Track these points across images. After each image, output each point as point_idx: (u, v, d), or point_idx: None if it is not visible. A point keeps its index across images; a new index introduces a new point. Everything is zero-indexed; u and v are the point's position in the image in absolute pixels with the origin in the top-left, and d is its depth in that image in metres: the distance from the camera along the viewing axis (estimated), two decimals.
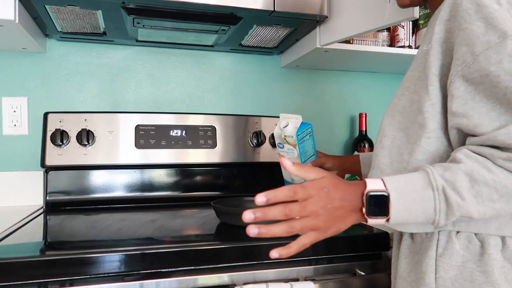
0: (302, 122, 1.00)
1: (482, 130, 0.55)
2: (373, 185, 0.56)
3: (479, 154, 0.55)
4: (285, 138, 1.03)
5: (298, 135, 0.99)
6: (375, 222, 0.55)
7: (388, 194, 0.54)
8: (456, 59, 0.58)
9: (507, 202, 0.53)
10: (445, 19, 0.62)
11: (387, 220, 0.55)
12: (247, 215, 0.54)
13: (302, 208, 0.54)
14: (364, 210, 0.55)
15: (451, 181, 0.53)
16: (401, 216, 0.54)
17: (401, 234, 0.70)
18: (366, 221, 0.56)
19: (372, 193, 0.55)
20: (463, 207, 0.52)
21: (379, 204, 0.54)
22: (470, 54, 0.56)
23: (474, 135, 0.57)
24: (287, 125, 1.01)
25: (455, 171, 0.53)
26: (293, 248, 0.56)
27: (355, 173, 1.07)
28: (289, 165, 0.57)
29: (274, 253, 0.56)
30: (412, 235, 0.67)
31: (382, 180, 0.56)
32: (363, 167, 1.05)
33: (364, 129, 1.44)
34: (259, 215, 0.54)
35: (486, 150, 0.54)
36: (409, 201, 0.54)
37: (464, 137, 0.60)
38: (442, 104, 0.62)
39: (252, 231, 0.54)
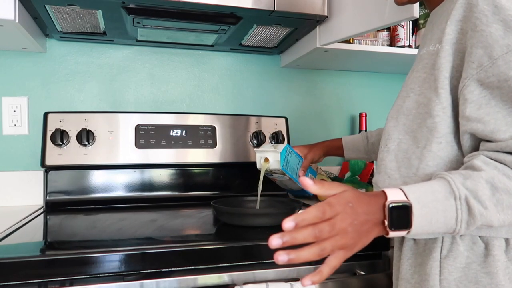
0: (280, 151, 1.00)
1: (500, 136, 0.54)
2: (394, 195, 0.53)
3: (497, 161, 0.54)
4: (271, 171, 1.04)
5: (283, 166, 0.99)
6: (395, 234, 0.53)
7: (411, 205, 0.52)
8: (470, 62, 0.56)
9: None
10: (457, 20, 0.59)
11: (408, 232, 0.53)
12: (275, 241, 0.48)
13: (331, 228, 0.50)
14: (386, 222, 0.52)
15: (473, 189, 0.52)
16: (423, 227, 0.52)
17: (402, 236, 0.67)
18: (388, 234, 0.53)
19: (393, 204, 0.52)
20: (485, 216, 0.52)
21: (401, 216, 0.52)
22: (487, 58, 0.54)
23: (489, 141, 0.56)
24: (267, 160, 1.01)
25: (476, 179, 0.52)
26: (325, 272, 0.52)
27: (339, 156, 1.14)
28: (311, 185, 0.52)
29: (307, 282, 0.50)
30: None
31: (402, 190, 0.53)
32: (346, 152, 1.10)
33: (364, 129, 1.44)
34: (287, 239, 0.49)
35: (505, 157, 0.53)
36: (431, 211, 0.52)
37: (477, 142, 0.59)
38: (452, 108, 0.60)
39: (281, 258, 0.49)
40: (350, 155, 1.11)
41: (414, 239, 0.65)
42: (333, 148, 1.12)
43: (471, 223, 0.52)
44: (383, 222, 0.52)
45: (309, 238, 0.49)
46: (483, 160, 0.54)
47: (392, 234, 0.53)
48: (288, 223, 0.49)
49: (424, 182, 0.55)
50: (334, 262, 0.51)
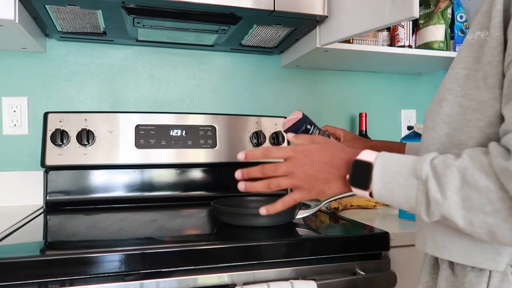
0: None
1: None
2: (365, 155, 0.53)
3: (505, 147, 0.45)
4: None
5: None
6: (358, 192, 0.54)
7: (372, 166, 0.51)
8: None
9: (505, 220, 0.43)
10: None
11: (370, 195, 0.53)
12: (237, 173, 0.62)
13: (275, 168, 0.60)
14: (347, 177, 0.54)
15: (440, 174, 0.46)
16: (383, 194, 0.51)
17: (435, 260, 0.58)
18: (350, 190, 0.55)
19: (356, 160, 0.53)
20: (442, 206, 0.46)
21: (361, 174, 0.53)
22: None
23: None
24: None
25: (449, 165, 0.46)
26: (278, 205, 0.62)
27: None
28: (289, 136, 0.63)
29: (262, 210, 0.63)
30: (452, 265, 0.55)
31: (377, 154, 0.53)
32: None
33: (364, 129, 1.44)
34: (244, 172, 0.62)
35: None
36: (393, 182, 0.50)
37: None
38: None
39: (240, 186, 0.62)
40: None
41: (452, 269, 0.54)
42: (391, 151, 1.00)
43: (429, 211, 0.48)
44: (346, 177, 0.55)
45: (257, 173, 0.61)
46: (473, 149, 0.47)
47: (355, 191, 0.54)
48: (240, 154, 0.63)
49: (404, 155, 0.53)
50: (287, 198, 0.61)
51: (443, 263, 0.55)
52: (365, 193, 0.53)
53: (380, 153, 0.53)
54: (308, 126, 0.93)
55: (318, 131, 0.95)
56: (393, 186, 0.50)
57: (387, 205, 1.19)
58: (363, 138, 1.02)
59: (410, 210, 0.51)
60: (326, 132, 1.01)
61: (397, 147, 0.95)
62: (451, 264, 0.54)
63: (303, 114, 0.93)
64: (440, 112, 0.54)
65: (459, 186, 0.45)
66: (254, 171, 0.62)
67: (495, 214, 0.44)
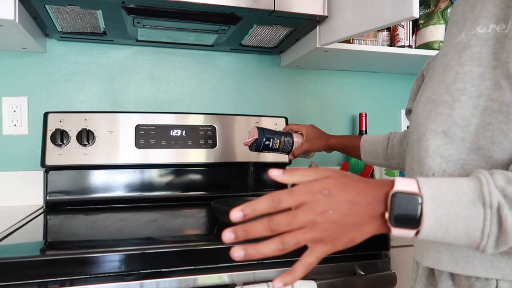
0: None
1: None
2: (404, 185, 0.42)
3: None
4: None
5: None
6: (400, 233, 0.42)
7: (422, 199, 0.41)
8: None
9: None
10: None
11: (416, 234, 0.42)
12: (227, 236, 0.42)
13: (290, 220, 0.42)
14: (387, 215, 0.42)
15: (510, 198, 0.40)
16: (435, 232, 0.41)
17: (430, 270, 0.54)
18: (389, 231, 0.43)
19: (399, 194, 0.42)
20: None
21: (408, 210, 0.41)
22: None
23: None
24: None
25: None
26: (298, 271, 0.44)
27: (356, 158, 0.96)
28: (278, 176, 0.45)
29: (278, 284, 0.43)
30: (452, 276, 0.50)
31: (417, 181, 0.42)
32: (363, 154, 0.92)
33: (364, 129, 1.44)
34: (240, 234, 0.42)
35: None
36: (449, 216, 0.41)
37: None
38: None
39: (237, 254, 0.42)
40: (367, 159, 0.92)
41: (453, 280, 0.50)
42: (348, 147, 0.95)
43: (502, 242, 0.40)
44: (384, 216, 0.42)
45: (263, 231, 0.42)
46: None
47: (396, 232, 0.42)
48: (234, 213, 0.42)
49: (451, 178, 0.43)
50: (308, 259, 0.44)
51: (442, 274, 0.50)
52: (411, 233, 0.42)
53: (422, 180, 0.43)
54: (267, 142, 0.98)
55: (278, 140, 0.99)
56: (450, 220, 0.41)
57: None
58: (325, 135, 1.01)
59: (467, 244, 0.42)
60: (290, 132, 1.03)
61: (353, 142, 0.94)
62: (451, 275, 0.50)
63: (258, 130, 0.97)
64: (453, 115, 0.48)
65: None
66: (257, 229, 0.42)
67: None
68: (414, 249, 0.57)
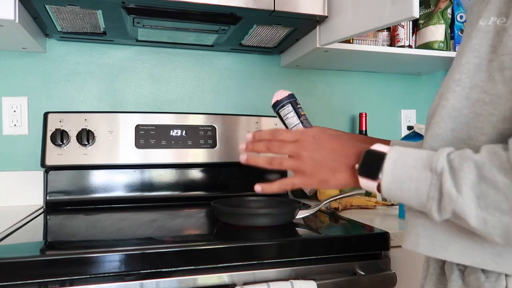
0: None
1: None
2: (379, 147, 0.50)
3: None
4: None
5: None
6: (366, 184, 0.51)
7: (385, 156, 0.48)
8: None
9: None
10: None
11: (378, 188, 0.49)
12: (241, 145, 0.64)
13: (282, 146, 0.59)
14: (357, 166, 0.51)
15: (456, 168, 0.43)
16: (392, 188, 0.48)
17: (441, 269, 0.55)
18: (357, 181, 0.52)
19: (370, 150, 0.50)
20: (456, 202, 0.42)
21: (373, 164, 0.49)
22: None
23: None
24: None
25: (466, 159, 0.43)
26: (275, 185, 0.60)
27: None
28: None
29: (257, 187, 0.61)
30: (463, 274, 0.51)
31: (392, 146, 0.50)
32: None
33: (364, 129, 1.44)
34: (249, 146, 0.63)
35: None
36: (404, 175, 0.47)
37: None
38: None
39: (242, 157, 0.62)
40: None
41: (463, 279, 0.51)
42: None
43: (442, 206, 0.44)
44: (355, 167, 0.52)
45: (263, 148, 0.61)
46: (492, 145, 0.44)
47: (362, 182, 0.51)
48: (248, 135, 0.64)
49: (420, 149, 0.49)
50: (286, 181, 0.59)
51: (452, 274, 0.51)
52: (373, 185, 0.50)
53: (395, 147, 0.50)
54: (298, 105, 1.04)
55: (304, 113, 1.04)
56: (404, 180, 0.47)
57: (387, 204, 1.19)
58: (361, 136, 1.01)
59: (420, 207, 0.47)
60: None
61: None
62: (462, 275, 0.50)
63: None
64: (446, 106, 0.49)
65: (476, 182, 0.42)
66: (260, 145, 0.61)
67: (511, 213, 0.41)
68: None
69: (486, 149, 0.43)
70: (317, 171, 0.55)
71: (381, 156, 0.49)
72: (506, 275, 0.47)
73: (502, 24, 0.47)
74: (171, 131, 1.21)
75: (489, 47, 0.47)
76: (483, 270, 0.48)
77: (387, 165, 0.48)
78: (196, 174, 1.25)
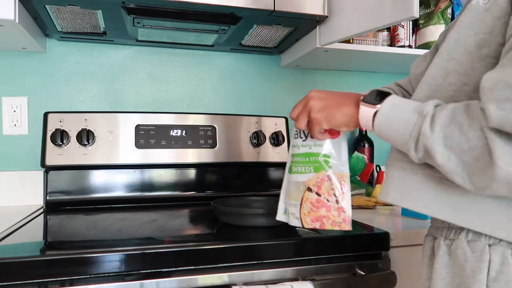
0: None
1: None
2: (383, 90, 0.58)
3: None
4: None
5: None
6: (364, 112, 0.56)
7: (388, 95, 0.55)
8: None
9: (476, 159, 0.45)
10: None
11: (373, 120, 0.55)
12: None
13: (296, 110, 0.67)
14: (361, 98, 0.57)
15: (436, 112, 0.49)
16: (382, 127, 0.54)
17: (432, 250, 0.60)
18: (358, 107, 0.57)
19: (375, 90, 0.57)
20: (427, 139, 0.48)
21: (376, 95, 0.56)
22: None
23: None
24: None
25: (447, 106, 0.49)
26: (301, 120, 0.66)
27: None
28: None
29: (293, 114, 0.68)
30: (449, 251, 0.55)
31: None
32: None
33: (364, 129, 1.44)
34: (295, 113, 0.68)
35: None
36: (396, 117, 0.52)
37: None
38: None
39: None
40: None
41: (449, 255, 0.55)
42: None
43: (418, 145, 0.50)
44: (359, 99, 0.58)
45: (296, 113, 0.67)
46: (471, 101, 0.48)
47: (361, 108, 0.56)
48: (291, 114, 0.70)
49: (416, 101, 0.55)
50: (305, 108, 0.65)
51: (440, 250, 0.56)
52: (371, 111, 0.55)
53: (397, 96, 0.55)
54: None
55: None
56: (395, 119, 0.52)
57: (386, 204, 1.19)
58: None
59: (402, 146, 0.53)
60: None
61: None
62: (448, 250, 0.55)
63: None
64: (425, 74, 0.57)
65: (447, 123, 0.47)
66: (294, 112, 0.68)
67: (470, 153, 0.46)
68: (415, 248, 0.64)
69: (465, 102, 0.48)
70: (325, 105, 0.61)
71: (384, 94, 0.55)
72: (490, 247, 0.51)
73: (484, 5, 0.51)
74: (171, 131, 1.21)
75: (468, 24, 0.52)
76: (468, 244, 0.53)
77: (388, 101, 0.54)
78: (196, 174, 1.25)
